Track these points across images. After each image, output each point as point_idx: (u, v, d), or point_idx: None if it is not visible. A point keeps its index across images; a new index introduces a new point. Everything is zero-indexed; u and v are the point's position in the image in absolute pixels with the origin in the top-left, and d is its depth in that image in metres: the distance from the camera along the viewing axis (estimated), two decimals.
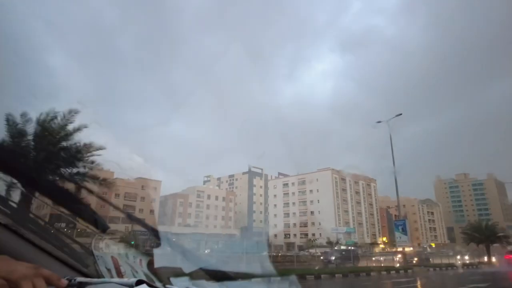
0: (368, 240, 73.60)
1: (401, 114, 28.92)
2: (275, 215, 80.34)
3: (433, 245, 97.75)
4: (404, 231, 31.81)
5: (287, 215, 77.59)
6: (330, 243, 58.49)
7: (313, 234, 69.79)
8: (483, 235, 38.73)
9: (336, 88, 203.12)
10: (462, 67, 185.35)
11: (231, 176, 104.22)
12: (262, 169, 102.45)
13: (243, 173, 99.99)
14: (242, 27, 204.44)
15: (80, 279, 0.89)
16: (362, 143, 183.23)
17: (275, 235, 77.38)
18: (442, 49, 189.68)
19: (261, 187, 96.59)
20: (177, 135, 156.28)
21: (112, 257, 1.24)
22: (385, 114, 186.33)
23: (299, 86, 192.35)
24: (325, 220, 67.58)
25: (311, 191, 74.50)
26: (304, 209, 74.91)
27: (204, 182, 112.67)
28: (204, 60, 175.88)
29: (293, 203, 77.40)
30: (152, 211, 73.52)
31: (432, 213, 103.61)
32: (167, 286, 1.14)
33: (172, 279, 1.31)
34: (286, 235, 76.44)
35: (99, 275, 1.13)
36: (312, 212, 73.33)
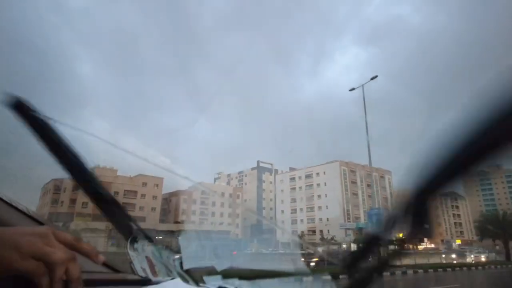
0: None
1: (376, 76, 24.30)
2: (282, 211, 76.27)
3: (459, 241, 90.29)
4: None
5: (294, 211, 73.30)
6: (331, 241, 54.09)
7: (321, 231, 65.22)
8: (499, 228, 32.98)
9: (361, 81, 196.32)
10: (490, 57, 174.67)
11: (240, 172, 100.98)
12: (272, 164, 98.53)
13: (252, 169, 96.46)
14: (263, 24, 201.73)
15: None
16: (392, 136, 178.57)
17: (282, 232, 73.37)
18: (469, 36, 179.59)
19: (270, 182, 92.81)
20: (202, 135, 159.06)
21: (146, 257, 1.24)
22: (414, 105, 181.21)
23: (322, 81, 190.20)
24: (333, 216, 62.79)
25: (318, 184, 69.78)
26: (311, 204, 70.35)
27: (215, 179, 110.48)
28: (227, 60, 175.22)
29: (301, 198, 72.95)
30: (154, 209, 71.64)
31: (457, 207, 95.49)
32: (200, 284, 1.18)
33: (205, 278, 1.27)
34: (294, 232, 72.12)
35: (135, 274, 1.16)
36: (319, 207, 68.66)
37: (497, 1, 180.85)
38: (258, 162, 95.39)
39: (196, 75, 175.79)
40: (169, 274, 1.25)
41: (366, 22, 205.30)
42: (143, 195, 70.10)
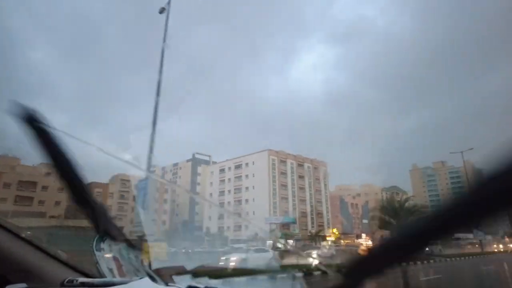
0: (313, 232, 63.26)
1: None
2: (210, 206, 69.42)
3: None
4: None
5: (222, 205, 66.70)
6: (256, 236, 47.87)
7: (246, 226, 59.16)
8: (395, 217, 28.32)
9: (327, 80, 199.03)
10: (453, 57, 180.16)
11: (175, 164, 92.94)
12: (210, 156, 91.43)
13: (187, 161, 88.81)
14: (232, 18, 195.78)
15: (82, 279, 0.94)
16: (356, 135, 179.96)
17: (208, 228, 66.78)
18: (432, 39, 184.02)
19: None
20: (169, 131, 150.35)
21: (114, 257, 1.23)
22: (379, 105, 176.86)
23: (289, 79, 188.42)
24: (260, 209, 56.99)
25: (247, 176, 63.78)
26: (239, 197, 64.19)
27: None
28: (195, 53, 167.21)
29: (229, 191, 66.61)
30: (58, 203, 62.05)
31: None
32: (169, 284, 1.16)
33: (174, 277, 1.27)
34: (220, 228, 65.67)
35: (101, 275, 1.14)
36: (247, 200, 62.64)
37: (459, 7, 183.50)
38: (193, 154, 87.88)
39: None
40: (137, 274, 1.21)
41: (333, 21, 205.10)
42: (44, 187, 60.26)
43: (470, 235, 48.47)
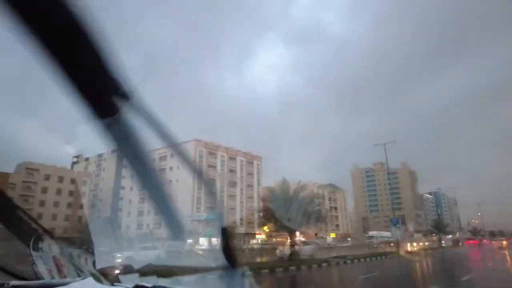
0: (242, 230, 59.01)
1: None
2: (130, 201, 62.21)
3: (333, 235, 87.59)
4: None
5: (142, 200, 59.83)
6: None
7: (168, 224, 53.37)
8: (285, 207, 25.56)
9: (282, 81, 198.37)
10: (400, 67, 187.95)
11: (100, 155, 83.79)
12: None
13: (113, 151, 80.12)
14: (189, 11, 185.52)
15: (15, 282, 0.90)
16: (308, 136, 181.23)
17: (128, 226, 59.77)
18: (384, 48, 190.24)
19: None
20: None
21: (54, 257, 1.16)
22: (329, 108, 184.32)
23: (245, 76, 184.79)
24: (183, 205, 51.31)
25: (171, 168, 57.60)
26: None
27: (73, 163, 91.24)
28: (147, 44, 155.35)
29: None
30: None
31: (335, 200, 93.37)
32: (115, 284, 1.14)
33: (121, 277, 1.25)
34: (139, 226, 59.04)
35: (38, 277, 1.08)
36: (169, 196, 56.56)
37: (412, 19, 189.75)
38: None
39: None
40: (80, 274, 1.16)
41: (290, 23, 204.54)
42: None
43: (388, 233, 47.69)
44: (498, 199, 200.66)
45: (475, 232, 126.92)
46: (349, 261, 22.29)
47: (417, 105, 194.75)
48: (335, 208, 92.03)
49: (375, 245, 40.90)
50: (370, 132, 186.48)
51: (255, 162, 66.30)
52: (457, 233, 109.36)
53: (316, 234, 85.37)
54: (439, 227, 59.37)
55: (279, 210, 21.53)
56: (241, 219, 60.12)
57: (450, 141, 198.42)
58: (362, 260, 24.16)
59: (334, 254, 28.44)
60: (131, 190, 63.58)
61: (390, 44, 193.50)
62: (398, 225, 32.22)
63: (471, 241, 69.79)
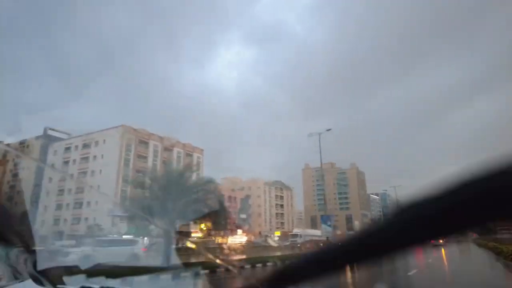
0: (177, 227, 53.86)
1: None
2: (47, 193, 54.64)
3: (278, 233, 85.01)
4: None
5: (61, 192, 52.67)
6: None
7: (86, 219, 46.97)
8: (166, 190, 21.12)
9: (242, 80, 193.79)
10: (359, 71, 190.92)
11: (22, 142, 74.00)
12: (69, 134, 74.87)
13: (37, 138, 70.92)
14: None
15: None
16: (265, 135, 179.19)
17: (43, 221, 52.19)
18: (343, 51, 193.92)
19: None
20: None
21: None
22: (290, 111, 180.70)
23: (206, 73, 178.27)
24: (105, 199, 45.28)
25: (95, 157, 51.23)
26: (83, 183, 51.26)
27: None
28: (105, 32, 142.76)
29: (71, 176, 52.93)
30: None
31: (282, 197, 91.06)
32: (58, 286, 1.07)
33: (65, 279, 1.17)
34: (56, 221, 51.85)
35: None
36: (91, 187, 50.19)
37: (372, 24, 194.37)
38: (45, 128, 70.27)
39: (66, 44, 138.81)
40: (18, 277, 1.07)
41: (253, 21, 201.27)
42: None
43: (318, 232, 45.55)
44: None
45: None
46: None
47: (373, 109, 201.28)
48: (281, 205, 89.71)
49: (299, 245, 38.43)
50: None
51: (195, 155, 61.44)
52: None
53: (259, 233, 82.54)
54: None
55: (151, 198, 16.97)
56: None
57: (400, 145, 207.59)
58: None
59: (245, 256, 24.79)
60: (49, 181, 56.13)
61: (350, 47, 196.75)
62: (329, 223, 29.45)
63: None
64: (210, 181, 20.53)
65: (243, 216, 73.49)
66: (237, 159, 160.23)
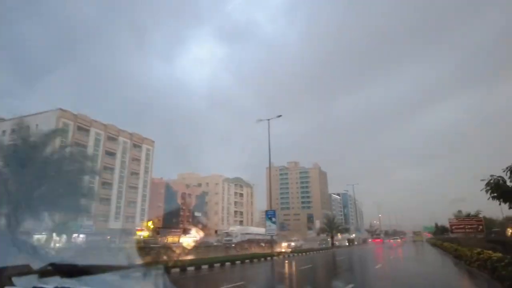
0: (118, 225, 48.80)
1: None
2: None
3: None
4: None
5: None
6: None
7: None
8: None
9: (213, 78, 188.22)
10: (327, 75, 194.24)
11: None
12: (3, 118, 66.71)
13: None
14: None
15: None
16: (233, 134, 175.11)
17: None
18: (313, 54, 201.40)
19: None
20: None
21: None
22: (259, 112, 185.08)
23: (175, 68, 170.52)
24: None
25: None
26: None
27: None
28: (68, 21, 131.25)
29: None
30: None
31: (241, 194, 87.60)
32: (7, 287, 1.08)
33: (14, 279, 1.16)
34: None
35: None
36: None
37: (342, 28, 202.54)
38: None
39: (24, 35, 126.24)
40: None
41: (224, 17, 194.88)
42: None
43: (262, 230, 42.68)
44: (398, 203, 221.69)
45: (372, 232, 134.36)
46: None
47: (337, 113, 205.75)
48: (241, 203, 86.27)
49: (233, 245, 35.22)
50: (291, 133, 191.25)
51: (144, 146, 56.36)
52: (354, 233, 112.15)
53: (216, 232, 78.45)
54: (331, 226, 57.00)
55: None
56: (118, 212, 49.79)
57: (361, 148, 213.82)
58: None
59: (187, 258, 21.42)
60: None
61: (319, 51, 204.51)
62: (274, 219, 26.09)
63: (376, 240, 78.09)
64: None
65: (199, 214, 69.23)
66: (201, 157, 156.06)
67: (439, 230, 64.45)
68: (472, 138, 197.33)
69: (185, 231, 64.58)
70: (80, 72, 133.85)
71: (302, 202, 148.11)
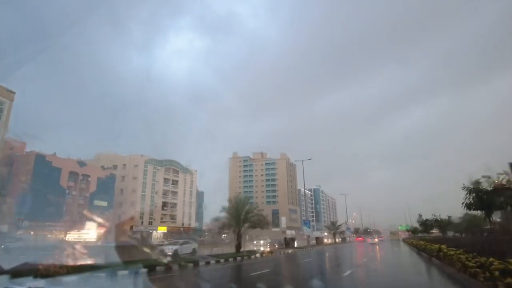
0: None
1: None
2: None
3: (164, 229, 63.88)
4: None
5: None
6: None
7: None
8: None
9: (191, 71, 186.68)
10: (304, 75, 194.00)
11: None
12: None
13: None
14: None
15: None
16: (211, 131, 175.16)
17: None
18: (296, 52, 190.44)
19: None
20: None
21: None
22: (234, 107, 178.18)
23: (152, 59, 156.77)
24: None
25: None
26: None
27: None
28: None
29: None
30: None
31: (176, 182, 69.66)
32: None
33: None
34: None
35: None
36: None
37: (324, 26, 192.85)
38: None
39: None
40: None
41: (205, 8, 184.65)
42: None
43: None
44: (372, 203, 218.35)
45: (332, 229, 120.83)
46: None
47: (317, 112, 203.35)
48: (174, 193, 68.43)
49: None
50: (268, 132, 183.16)
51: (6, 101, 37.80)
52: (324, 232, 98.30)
53: (131, 228, 60.65)
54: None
55: None
56: None
57: (338, 147, 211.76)
58: None
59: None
60: None
61: (300, 48, 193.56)
62: None
63: (358, 239, 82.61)
64: None
65: (101, 203, 51.23)
66: (173, 152, 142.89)
67: (417, 230, 64.69)
68: (442, 141, 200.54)
69: (77, 227, 46.55)
70: (49, 62, 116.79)
71: (267, 197, 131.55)
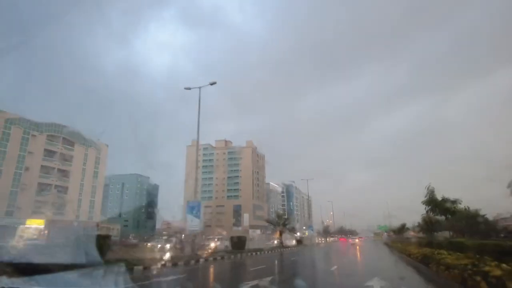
0: None
1: None
2: None
3: (41, 222, 43.59)
4: None
5: None
6: None
7: None
8: None
9: (174, 66, 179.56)
10: (289, 73, 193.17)
11: None
12: None
13: None
14: None
15: None
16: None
17: None
18: (280, 50, 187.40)
19: None
20: None
21: None
22: (219, 105, 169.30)
23: (131, 51, 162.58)
24: None
25: None
26: None
27: None
28: None
29: None
30: None
31: (70, 157, 49.20)
32: None
33: None
34: None
35: None
36: None
37: (310, 24, 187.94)
38: None
39: None
40: None
41: (190, 2, 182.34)
42: None
43: None
44: (350, 203, 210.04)
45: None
46: None
47: (301, 110, 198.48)
48: (65, 172, 48.14)
49: None
50: (253, 131, 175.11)
51: None
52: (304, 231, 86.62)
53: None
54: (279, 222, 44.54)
55: None
56: None
57: (319, 146, 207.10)
58: None
59: None
60: None
61: (287, 46, 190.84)
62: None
63: (342, 239, 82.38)
64: None
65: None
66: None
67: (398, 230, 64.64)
68: (419, 145, 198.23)
69: None
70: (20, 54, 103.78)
71: (229, 190, 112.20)
